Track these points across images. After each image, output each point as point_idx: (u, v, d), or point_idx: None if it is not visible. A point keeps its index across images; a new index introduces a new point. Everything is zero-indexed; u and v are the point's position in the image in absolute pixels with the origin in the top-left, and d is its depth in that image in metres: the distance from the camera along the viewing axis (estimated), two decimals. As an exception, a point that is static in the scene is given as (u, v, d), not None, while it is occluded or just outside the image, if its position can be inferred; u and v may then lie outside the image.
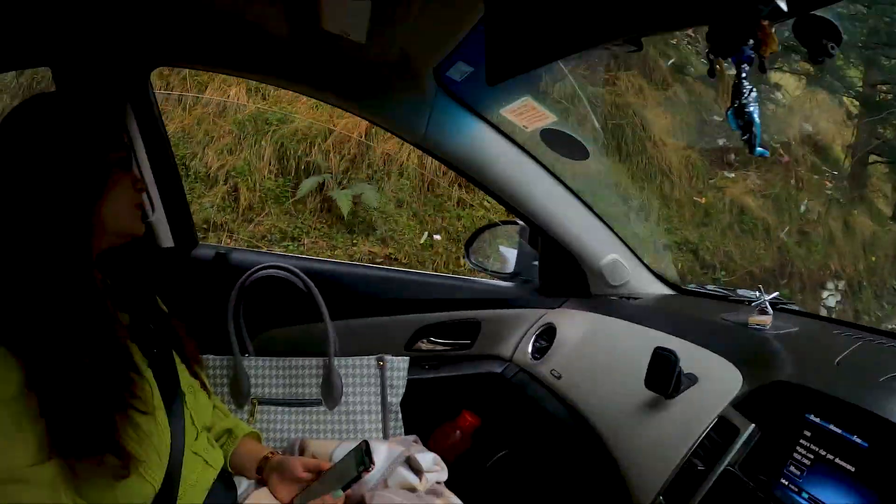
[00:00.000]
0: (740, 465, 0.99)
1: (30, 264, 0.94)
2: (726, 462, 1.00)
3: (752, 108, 0.77)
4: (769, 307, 1.37)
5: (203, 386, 1.31)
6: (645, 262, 1.91)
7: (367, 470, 1.16)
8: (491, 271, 2.08)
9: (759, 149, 0.80)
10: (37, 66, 1.57)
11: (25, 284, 0.92)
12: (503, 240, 2.13)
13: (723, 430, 1.06)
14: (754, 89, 0.77)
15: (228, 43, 1.48)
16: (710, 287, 1.88)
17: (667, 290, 1.91)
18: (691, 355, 1.20)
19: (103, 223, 1.03)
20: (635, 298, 1.81)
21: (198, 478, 1.13)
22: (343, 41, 1.29)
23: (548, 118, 1.51)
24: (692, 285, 1.93)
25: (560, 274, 1.92)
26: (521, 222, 1.99)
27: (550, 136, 1.60)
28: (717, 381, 1.18)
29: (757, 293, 1.44)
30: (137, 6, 1.36)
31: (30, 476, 0.86)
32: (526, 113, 1.52)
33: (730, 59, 0.72)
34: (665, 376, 1.18)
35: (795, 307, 1.56)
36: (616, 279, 1.85)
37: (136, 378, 0.98)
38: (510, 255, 2.07)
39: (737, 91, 0.77)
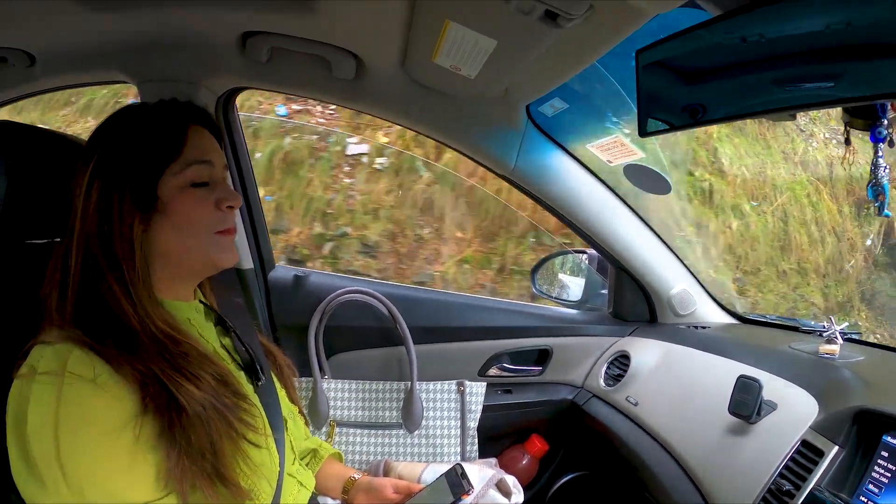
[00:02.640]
0: (824, 485, 1.09)
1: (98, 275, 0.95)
2: (813, 482, 1.10)
3: (885, 181, 0.90)
4: (839, 337, 1.46)
5: (300, 411, 1.37)
6: (710, 291, 1.99)
7: (466, 493, 1.22)
8: (556, 298, 2.16)
9: (886, 212, 0.93)
10: (122, 83, 1.63)
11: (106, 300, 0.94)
12: (569, 268, 2.20)
13: (806, 453, 1.16)
14: (888, 167, 0.90)
15: (319, 69, 1.54)
16: (772, 317, 1.96)
17: (731, 320, 2.02)
18: (767, 383, 1.29)
19: (160, 243, 1.01)
20: (703, 327, 1.91)
21: (294, 500, 1.18)
22: (449, 74, 1.37)
23: (636, 154, 1.60)
24: (754, 315, 2.02)
25: (630, 302, 2.02)
26: (589, 251, 2.08)
27: (634, 171, 1.69)
28: (794, 407, 1.27)
29: (826, 323, 1.53)
30: (224, 31, 1.43)
31: None
32: (614, 149, 1.61)
33: (868, 139, 0.84)
34: (749, 403, 1.28)
35: (857, 336, 1.64)
36: (684, 308, 1.96)
37: (248, 406, 1.01)
38: (577, 283, 2.14)
39: (874, 169, 0.89)
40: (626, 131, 1.58)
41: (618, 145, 1.60)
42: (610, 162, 1.67)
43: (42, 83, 1.66)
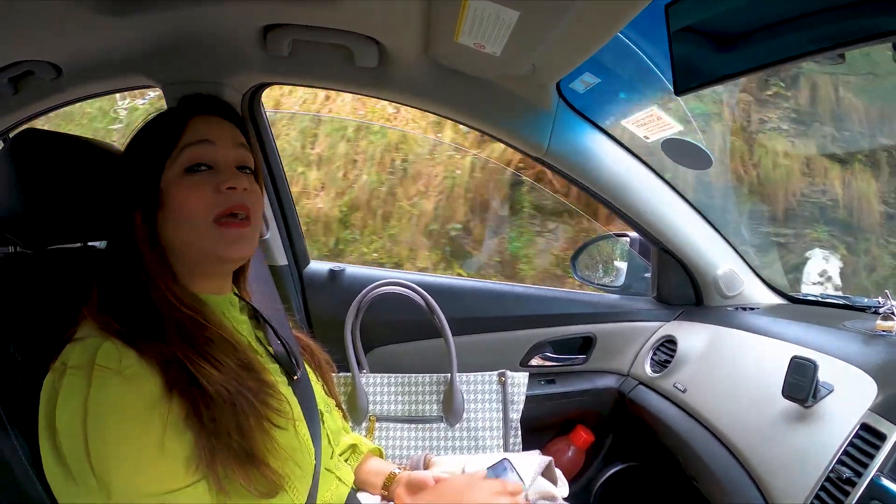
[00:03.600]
0: (886, 471, 1.00)
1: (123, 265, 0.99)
2: (874, 469, 1.01)
3: None
4: (896, 312, 1.38)
5: (338, 405, 1.35)
6: (757, 271, 1.91)
7: None
8: (599, 284, 2.10)
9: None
10: (148, 87, 1.64)
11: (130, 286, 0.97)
12: (610, 252, 2.15)
13: (866, 437, 1.07)
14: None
15: (342, 59, 1.52)
16: (822, 295, 1.88)
17: (779, 300, 1.93)
18: (822, 364, 1.20)
19: (166, 237, 1.01)
20: (751, 308, 1.83)
21: (332, 495, 1.16)
22: (474, 54, 1.33)
23: (672, 127, 1.54)
24: (803, 294, 1.93)
25: (674, 285, 1.95)
26: (631, 234, 2.02)
27: (672, 146, 1.63)
28: (851, 388, 1.19)
29: (881, 299, 1.44)
30: (244, 26, 1.42)
31: (181, 500, 0.86)
32: (650, 123, 1.55)
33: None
34: (804, 385, 1.20)
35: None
36: (731, 289, 1.88)
37: (273, 392, 0.99)
38: (619, 267, 2.08)
39: None
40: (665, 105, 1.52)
41: (654, 119, 1.54)
42: (647, 137, 1.61)
43: (69, 93, 1.67)
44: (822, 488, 1.08)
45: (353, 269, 1.99)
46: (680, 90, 1.03)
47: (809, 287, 4.58)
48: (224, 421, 0.88)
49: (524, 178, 5.08)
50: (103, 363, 0.86)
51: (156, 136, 1.02)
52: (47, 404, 0.87)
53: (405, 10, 1.26)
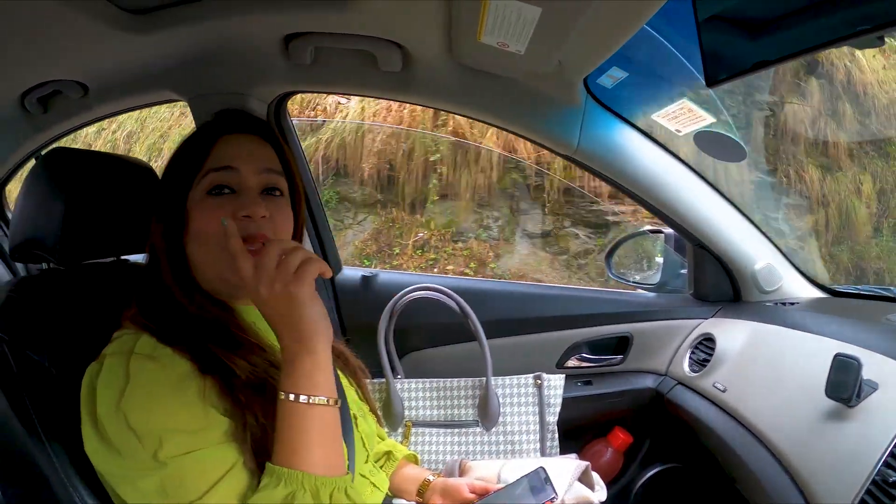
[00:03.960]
0: None
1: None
2: None
3: None
4: (942, 303, 1.33)
5: (372, 409, 1.34)
6: (796, 264, 1.86)
7: (550, 500, 1.16)
8: (634, 282, 2.07)
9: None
10: (174, 101, 1.66)
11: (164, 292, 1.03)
12: (645, 249, 2.11)
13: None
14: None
15: (365, 64, 1.50)
16: (864, 287, 1.82)
17: (819, 293, 1.87)
18: (866, 361, 1.16)
19: (189, 251, 1.04)
20: (791, 304, 1.77)
21: (367, 501, 1.15)
22: (497, 53, 1.30)
23: (705, 120, 1.50)
24: (843, 286, 1.87)
25: (711, 282, 1.90)
26: (665, 230, 1.97)
27: (705, 138, 1.59)
28: (897, 385, 1.14)
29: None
30: (266, 36, 1.41)
31: (221, 453, 0.88)
32: (682, 116, 1.52)
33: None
34: (848, 383, 1.15)
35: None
36: (770, 284, 1.83)
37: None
38: (654, 264, 2.05)
39: None
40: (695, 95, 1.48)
41: (686, 112, 1.51)
42: (679, 131, 1.57)
43: (97, 111, 1.70)
44: (868, 492, 1.04)
45: (385, 275, 1.99)
46: (712, 82, 1.00)
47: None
48: (253, 402, 0.92)
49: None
50: (140, 351, 0.91)
51: (185, 157, 1.05)
52: (88, 391, 0.91)
53: (426, 12, 1.24)
